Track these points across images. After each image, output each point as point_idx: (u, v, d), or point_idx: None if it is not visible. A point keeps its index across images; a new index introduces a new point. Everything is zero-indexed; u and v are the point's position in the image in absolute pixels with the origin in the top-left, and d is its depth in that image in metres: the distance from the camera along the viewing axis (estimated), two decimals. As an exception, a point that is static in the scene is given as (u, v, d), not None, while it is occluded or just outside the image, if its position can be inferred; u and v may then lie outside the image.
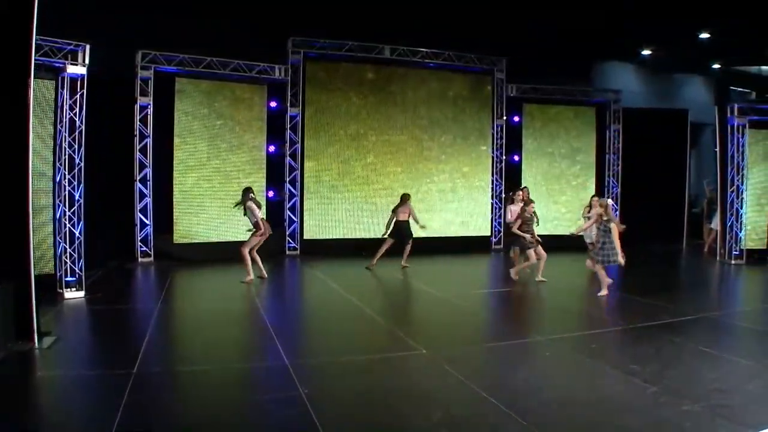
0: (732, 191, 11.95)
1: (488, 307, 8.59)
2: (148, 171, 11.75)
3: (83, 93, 8.40)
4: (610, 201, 9.37)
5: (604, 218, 8.63)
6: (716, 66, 19.73)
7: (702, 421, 4.09)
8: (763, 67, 20.06)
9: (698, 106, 18.06)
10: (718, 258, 12.47)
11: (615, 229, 8.57)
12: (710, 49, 16.59)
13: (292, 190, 13.15)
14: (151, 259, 11.74)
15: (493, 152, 14.83)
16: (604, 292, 8.60)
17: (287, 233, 13.15)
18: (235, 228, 12.43)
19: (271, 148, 12.93)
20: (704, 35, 15.52)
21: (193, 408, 4.37)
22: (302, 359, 5.38)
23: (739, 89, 20.76)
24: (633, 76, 19.86)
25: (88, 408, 4.36)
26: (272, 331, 6.50)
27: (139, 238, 11.73)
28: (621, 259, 8.55)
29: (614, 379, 4.98)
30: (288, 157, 13.08)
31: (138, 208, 11.73)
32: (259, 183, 12.71)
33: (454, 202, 14.43)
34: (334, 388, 4.76)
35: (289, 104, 12.97)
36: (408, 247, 11.33)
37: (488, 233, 14.89)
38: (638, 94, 18.19)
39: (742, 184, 11.85)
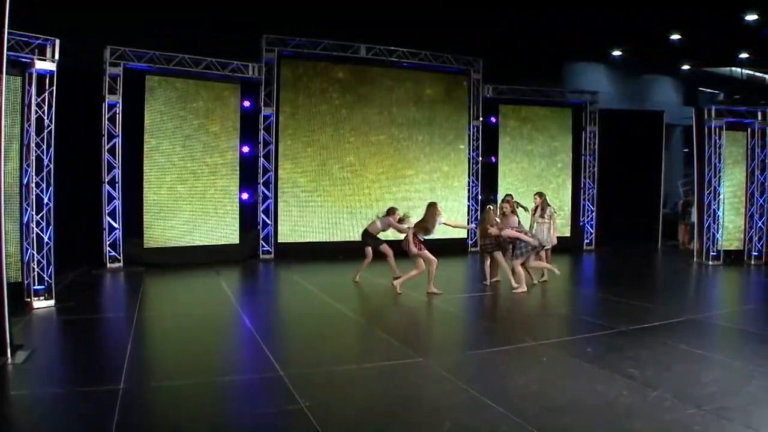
0: (709, 192, 12.26)
1: (475, 312, 8.59)
2: (117, 172, 11.43)
3: (52, 90, 8.07)
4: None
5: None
6: (686, 67, 20.29)
7: (709, 424, 4.14)
8: (734, 69, 20.70)
9: (667, 107, 18.53)
10: (695, 259, 12.77)
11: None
12: (681, 49, 17.04)
13: (266, 192, 12.98)
14: (121, 264, 11.42)
15: (469, 154, 14.91)
16: (521, 288, 9.07)
17: (261, 237, 12.98)
18: (208, 231, 12.26)
19: (245, 149, 12.75)
20: (675, 36, 15.91)
21: (193, 426, 4.22)
22: (296, 369, 5.26)
23: (708, 90, 21.40)
24: (603, 77, 20.29)
25: (76, 430, 4.16)
26: (260, 339, 6.36)
27: (107, 243, 11.39)
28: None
29: (615, 383, 5.00)
30: (262, 159, 12.91)
31: (106, 212, 11.40)
32: (232, 185, 12.52)
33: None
34: (336, 400, 4.67)
35: (263, 104, 12.80)
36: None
37: (465, 235, 14.95)
38: (607, 95, 18.60)
39: (719, 186, 12.17)
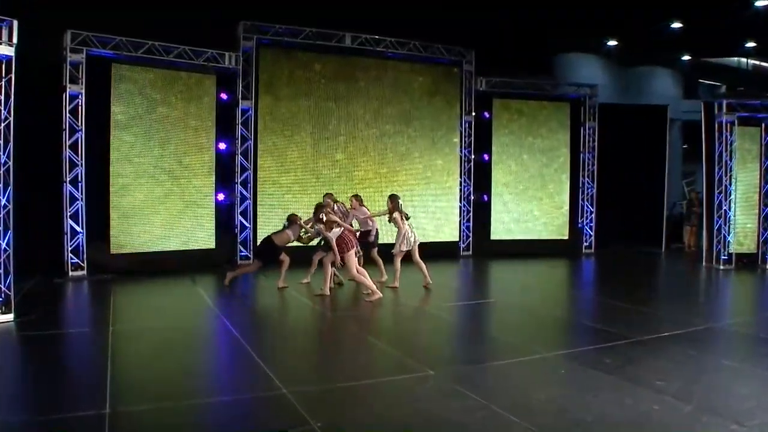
0: (719, 192, 12.45)
1: (477, 321, 8.57)
2: (80, 170, 11.15)
3: (11, 78, 7.79)
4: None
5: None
6: (686, 58, 20.57)
7: (756, 441, 4.18)
8: (739, 59, 20.99)
9: (666, 100, 18.76)
10: (704, 263, 12.95)
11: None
12: (681, 39, 17.27)
13: (244, 192, 12.83)
14: (84, 272, 11.13)
15: (461, 151, 14.93)
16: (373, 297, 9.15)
17: (238, 240, 12.83)
18: (181, 235, 12.07)
19: (222, 146, 12.59)
20: (676, 25, 16.13)
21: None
22: (300, 386, 5.19)
23: (709, 82, 21.71)
24: (597, 69, 20.48)
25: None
26: (254, 353, 6.27)
27: (69, 249, 11.09)
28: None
29: (642, 397, 5.02)
30: (239, 156, 12.76)
31: (68, 214, 11.10)
32: (207, 185, 12.37)
33: (424, 205, 14.45)
34: (349, 419, 4.61)
35: (240, 96, 12.64)
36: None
37: (456, 238, 14.97)
38: (601, 87, 18.77)
39: (731, 185, 12.35)
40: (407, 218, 10.40)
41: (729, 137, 12.32)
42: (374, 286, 9.28)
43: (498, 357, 6.47)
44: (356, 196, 10.91)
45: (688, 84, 22.30)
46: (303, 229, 10.13)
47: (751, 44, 17.75)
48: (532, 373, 5.83)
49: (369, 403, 4.96)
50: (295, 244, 10.30)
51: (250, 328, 7.92)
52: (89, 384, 5.28)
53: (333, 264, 9.44)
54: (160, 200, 11.89)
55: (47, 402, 4.92)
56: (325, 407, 4.77)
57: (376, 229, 10.90)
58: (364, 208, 10.76)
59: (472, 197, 15.15)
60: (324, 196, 10.41)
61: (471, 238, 15.17)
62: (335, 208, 9.98)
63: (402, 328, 8.37)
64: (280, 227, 10.34)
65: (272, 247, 10.00)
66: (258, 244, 10.26)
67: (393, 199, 10.42)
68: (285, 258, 10.18)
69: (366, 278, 9.32)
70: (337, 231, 9.18)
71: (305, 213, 10.62)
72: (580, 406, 4.85)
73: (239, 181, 12.78)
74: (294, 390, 5.04)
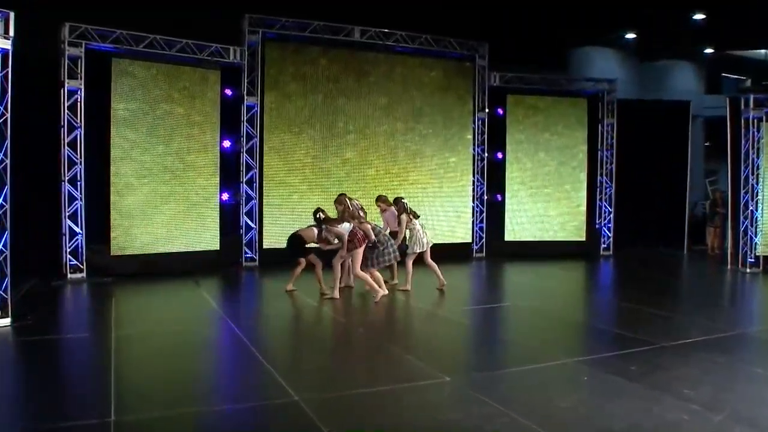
0: (746, 192, 12.37)
1: (493, 325, 8.56)
2: (79, 169, 11.16)
3: (7, 73, 7.82)
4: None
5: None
6: (708, 51, 20.43)
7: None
8: (767, 52, 20.78)
9: (687, 95, 18.66)
10: (728, 265, 12.86)
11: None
12: (703, 31, 17.15)
13: (249, 192, 12.84)
14: (83, 274, 11.15)
15: (474, 149, 14.89)
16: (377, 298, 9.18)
17: (244, 242, 12.84)
18: (184, 236, 12.08)
19: (226, 144, 12.60)
20: (698, 16, 16.04)
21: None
22: (313, 393, 5.17)
23: (733, 76, 21.53)
24: (616, 63, 20.40)
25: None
26: (263, 359, 6.26)
27: (67, 250, 11.11)
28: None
29: (670, 406, 4.97)
30: (245, 154, 12.76)
31: (66, 214, 11.11)
32: (211, 184, 12.38)
33: (437, 205, 14.44)
34: (365, 427, 4.58)
35: (245, 92, 12.64)
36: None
37: (469, 240, 14.94)
38: (620, 82, 18.69)
39: (758, 184, 12.26)
40: (416, 216, 10.39)
41: (756, 134, 12.22)
42: (376, 285, 9.27)
43: (516, 363, 6.44)
44: (383, 198, 10.88)
45: (711, 78, 22.15)
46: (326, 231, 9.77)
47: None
48: (553, 380, 5.78)
49: (385, 411, 4.94)
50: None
51: (258, 333, 7.93)
52: (93, 391, 5.28)
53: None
54: (163, 200, 11.89)
55: (49, 410, 4.89)
56: (339, 415, 4.76)
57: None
58: (392, 208, 10.65)
59: (486, 197, 15.10)
60: (340, 196, 10.10)
61: (484, 239, 15.13)
62: (354, 204, 9.87)
63: (416, 332, 8.34)
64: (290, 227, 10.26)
65: (300, 242, 9.73)
66: (286, 245, 10.01)
67: (397, 201, 10.46)
68: (315, 261, 9.90)
69: (368, 278, 9.31)
70: (347, 226, 9.24)
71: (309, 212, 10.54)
72: (605, 414, 4.81)
73: (244, 180, 12.79)
74: (306, 397, 5.03)
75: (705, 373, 5.84)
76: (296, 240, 9.74)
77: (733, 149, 12.56)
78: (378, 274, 9.51)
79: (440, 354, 6.90)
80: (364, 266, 9.35)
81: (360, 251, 9.24)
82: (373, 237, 9.38)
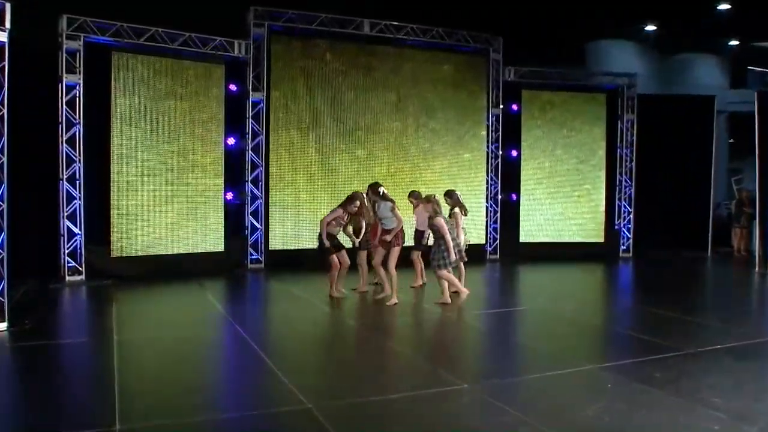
0: (775, 191, 12.31)
1: (510, 330, 8.55)
2: (78, 167, 11.20)
3: (4, 66, 7.82)
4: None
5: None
6: (733, 43, 20.31)
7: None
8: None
9: (710, 90, 18.53)
10: (757, 268, 12.79)
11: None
12: (728, 22, 17.03)
13: (255, 191, 12.87)
14: (82, 277, 11.20)
15: (487, 146, 14.87)
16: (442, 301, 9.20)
17: (249, 243, 12.87)
18: (187, 237, 12.11)
19: (231, 141, 12.63)
20: (723, 6, 15.94)
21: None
22: (327, 401, 5.19)
23: (760, 69, 21.35)
24: (636, 57, 20.33)
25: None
26: (273, 365, 6.27)
27: (66, 251, 11.16)
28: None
29: (699, 415, 4.95)
30: (250, 152, 12.79)
31: (65, 214, 11.15)
32: (216, 183, 12.42)
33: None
34: (383, 436, 4.60)
35: (251, 87, 12.67)
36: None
37: (482, 240, 14.92)
38: (640, 77, 18.63)
39: (788, 183, 12.21)
40: (465, 213, 10.50)
41: (787, 130, 12.18)
42: (390, 291, 9.28)
43: (536, 369, 6.42)
44: (416, 194, 10.72)
45: (736, 72, 21.99)
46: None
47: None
48: (575, 387, 5.77)
49: (401, 419, 4.95)
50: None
51: (266, 337, 7.94)
52: (96, 399, 5.29)
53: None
54: (165, 200, 11.93)
55: (50, 419, 4.90)
56: (354, 423, 4.77)
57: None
58: (425, 205, 10.53)
59: (500, 196, 15.09)
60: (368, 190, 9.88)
61: (498, 241, 15.12)
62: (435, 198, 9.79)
63: (431, 337, 8.36)
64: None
65: (327, 235, 9.48)
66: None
67: (451, 194, 10.49)
68: (343, 261, 9.74)
69: (387, 281, 9.33)
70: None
71: (320, 213, 10.51)
72: (631, 424, 4.80)
73: (250, 179, 12.82)
74: (320, 404, 5.03)
75: (735, 381, 5.80)
76: (320, 232, 9.50)
77: (762, 146, 12.48)
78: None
79: (456, 360, 6.93)
80: (438, 268, 9.23)
81: (395, 249, 9.26)
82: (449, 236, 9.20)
